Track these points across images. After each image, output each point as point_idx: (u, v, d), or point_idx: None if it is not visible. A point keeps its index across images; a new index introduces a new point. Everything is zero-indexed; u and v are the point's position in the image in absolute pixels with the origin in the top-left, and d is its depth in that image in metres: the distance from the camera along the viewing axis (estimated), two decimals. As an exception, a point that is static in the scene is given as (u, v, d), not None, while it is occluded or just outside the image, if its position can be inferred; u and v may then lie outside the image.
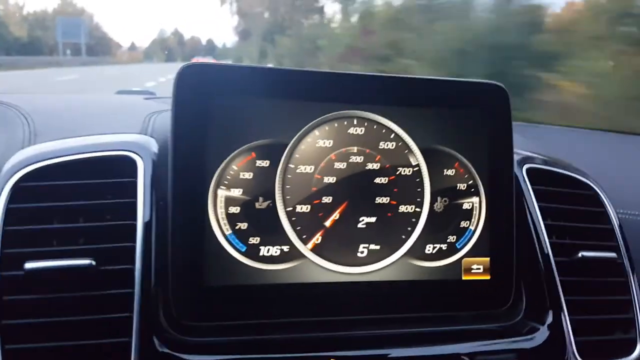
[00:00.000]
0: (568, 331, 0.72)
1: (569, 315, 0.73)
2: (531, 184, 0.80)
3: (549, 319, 0.73)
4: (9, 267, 0.60)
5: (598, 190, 0.85)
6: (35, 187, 0.65)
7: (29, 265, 0.59)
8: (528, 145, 1.07)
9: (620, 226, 0.83)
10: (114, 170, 0.67)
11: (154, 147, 0.71)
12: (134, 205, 0.65)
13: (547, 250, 0.76)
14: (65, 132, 0.77)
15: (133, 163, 0.68)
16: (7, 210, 0.62)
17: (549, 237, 0.77)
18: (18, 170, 0.65)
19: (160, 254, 0.64)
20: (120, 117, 0.93)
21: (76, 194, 0.65)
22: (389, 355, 0.68)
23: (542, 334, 0.72)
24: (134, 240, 0.63)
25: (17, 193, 0.64)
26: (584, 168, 0.91)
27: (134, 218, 0.64)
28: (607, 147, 1.27)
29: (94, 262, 0.61)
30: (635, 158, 1.21)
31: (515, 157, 0.83)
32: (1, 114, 0.90)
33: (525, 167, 0.82)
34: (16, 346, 0.58)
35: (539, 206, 0.79)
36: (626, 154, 1.23)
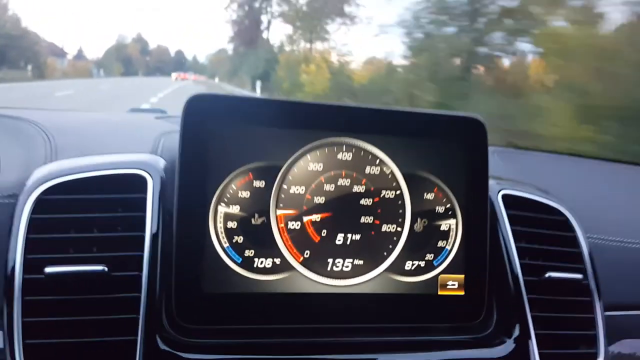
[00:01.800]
0: (532, 344, 0.79)
1: (534, 329, 0.80)
2: (506, 209, 0.87)
3: (516, 333, 0.80)
4: (30, 271, 0.68)
5: (569, 216, 0.91)
6: (55, 200, 0.73)
7: (48, 269, 0.67)
8: (509, 170, 1.15)
9: (589, 250, 0.90)
10: (126, 187, 0.75)
11: (163, 166, 0.79)
12: (143, 219, 0.73)
13: (517, 270, 0.83)
14: (82, 150, 0.85)
15: (143, 180, 0.76)
16: (30, 220, 0.70)
17: (521, 259, 0.84)
18: (40, 185, 0.73)
19: (165, 262, 0.72)
20: (133, 136, 1.01)
21: (92, 207, 0.73)
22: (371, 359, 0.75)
23: (507, 346, 0.79)
24: (142, 250, 0.71)
25: (39, 205, 0.72)
26: (564, 193, 0.99)
27: (143, 230, 0.72)
28: (590, 173, 1.34)
29: (106, 269, 0.68)
30: (616, 185, 1.28)
31: (493, 183, 0.90)
32: (24, 131, 0.99)
33: (501, 193, 0.89)
34: (35, 341, 0.66)
35: (512, 229, 0.86)
36: (607, 180, 1.30)
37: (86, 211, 0.73)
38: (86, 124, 1.13)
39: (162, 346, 0.68)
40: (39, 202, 0.72)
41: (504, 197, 0.88)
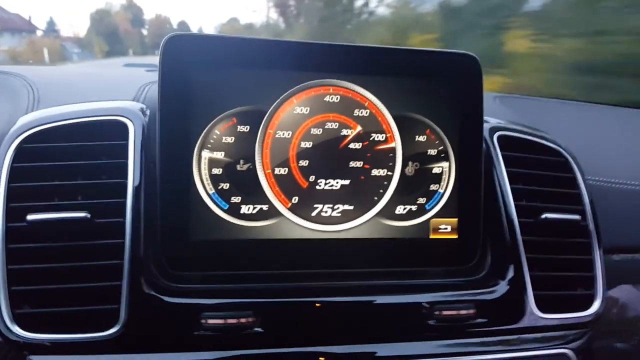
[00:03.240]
0: (527, 286, 0.78)
1: (529, 271, 0.78)
2: (502, 151, 0.85)
3: (510, 275, 0.78)
4: (13, 219, 0.67)
5: (568, 157, 0.89)
6: (38, 148, 0.72)
7: (30, 217, 0.66)
8: (511, 116, 1.12)
9: (589, 191, 0.88)
10: (108, 134, 0.73)
11: (145, 113, 0.77)
12: (125, 166, 0.72)
13: (512, 212, 0.81)
14: (66, 100, 0.83)
15: (125, 127, 0.74)
16: (12, 169, 0.69)
17: (518, 200, 0.82)
18: (21, 134, 0.72)
19: (151, 210, 0.71)
20: (119, 87, 0.99)
21: (74, 155, 0.72)
22: (356, 302, 0.74)
23: (501, 288, 0.78)
24: (125, 197, 0.70)
25: (21, 154, 0.71)
26: (565, 137, 0.95)
27: (125, 177, 0.71)
28: (592, 118, 1.30)
29: (89, 215, 0.67)
30: (618, 129, 1.24)
31: (489, 125, 0.87)
32: (10, 83, 0.97)
33: (496, 134, 0.86)
34: (21, 288, 0.66)
35: (508, 171, 0.83)
36: (610, 124, 1.26)
37: (67, 159, 0.71)
38: (73, 76, 1.11)
39: (148, 291, 0.68)
40: (20, 150, 0.71)
41: (500, 138, 0.86)
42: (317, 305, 0.72)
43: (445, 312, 0.74)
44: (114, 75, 1.16)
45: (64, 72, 1.17)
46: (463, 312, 0.74)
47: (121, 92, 0.92)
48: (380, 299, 0.74)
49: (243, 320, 0.69)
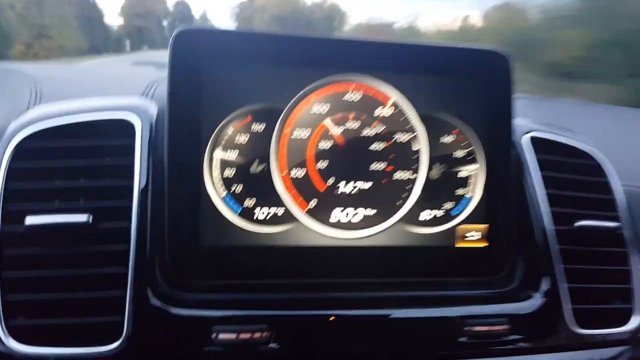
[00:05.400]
0: (564, 299, 0.72)
1: (565, 283, 0.72)
2: (535, 153, 0.79)
3: (545, 286, 0.72)
4: (10, 222, 0.63)
5: (602, 161, 0.83)
6: (38, 147, 0.67)
7: (29, 220, 0.61)
8: (536, 118, 1.06)
9: (624, 197, 0.82)
10: (113, 132, 0.68)
11: (153, 110, 0.72)
12: (131, 166, 0.67)
13: (546, 219, 0.75)
14: (70, 97, 0.78)
15: (131, 126, 0.69)
16: (10, 169, 0.64)
17: (550, 206, 0.77)
18: (20, 131, 0.67)
19: (158, 214, 0.66)
20: (126, 85, 0.94)
21: (77, 155, 0.67)
22: (379, 315, 0.69)
23: (535, 301, 0.72)
24: (131, 200, 0.65)
25: (20, 152, 0.66)
26: (596, 140, 0.90)
27: (131, 178, 0.66)
28: (623, 121, 1.24)
29: (90, 219, 0.62)
30: None
31: (521, 126, 0.82)
32: (11, 81, 0.93)
33: (529, 135, 0.80)
34: (16, 297, 0.61)
35: (541, 175, 0.78)
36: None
37: (69, 158, 0.67)
38: (79, 73, 1.06)
39: (154, 301, 0.63)
40: (19, 149, 0.66)
41: (533, 140, 0.80)
42: (336, 318, 0.67)
43: (477, 328, 0.68)
44: (121, 73, 1.11)
45: (68, 69, 1.12)
46: (496, 327, 0.69)
47: (128, 90, 0.87)
48: (405, 312, 0.69)
49: (257, 334, 0.63)
